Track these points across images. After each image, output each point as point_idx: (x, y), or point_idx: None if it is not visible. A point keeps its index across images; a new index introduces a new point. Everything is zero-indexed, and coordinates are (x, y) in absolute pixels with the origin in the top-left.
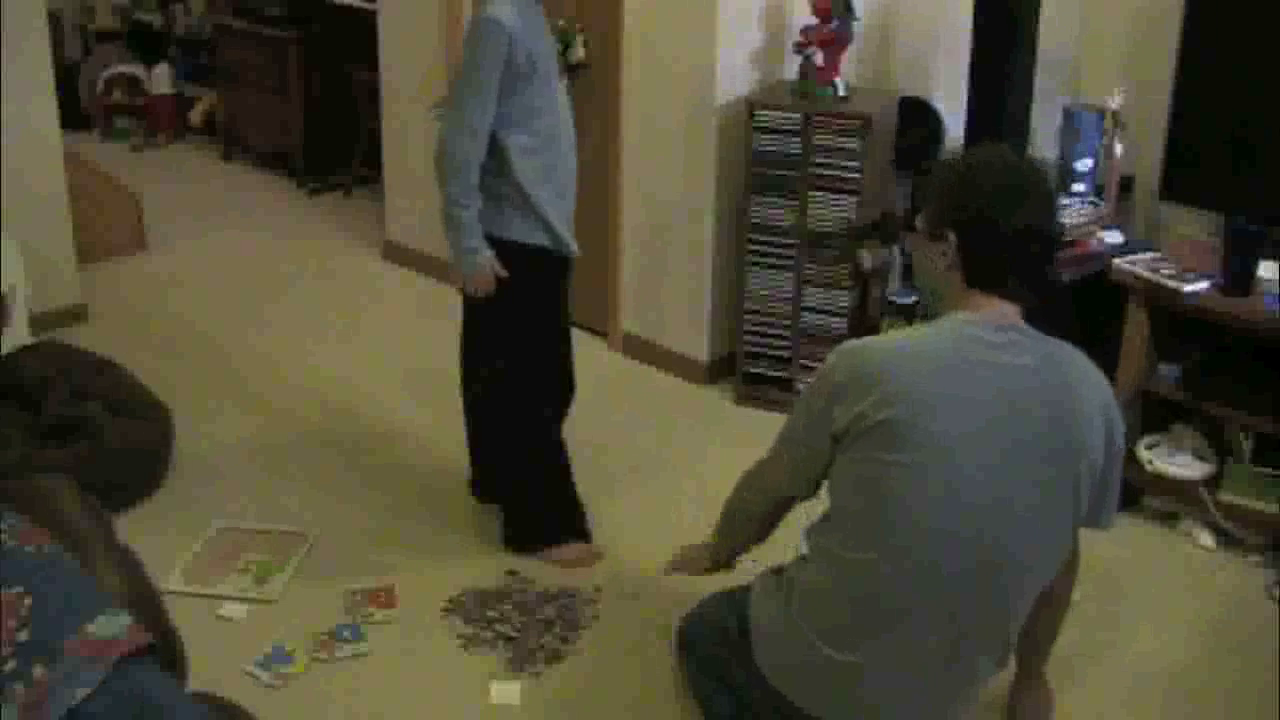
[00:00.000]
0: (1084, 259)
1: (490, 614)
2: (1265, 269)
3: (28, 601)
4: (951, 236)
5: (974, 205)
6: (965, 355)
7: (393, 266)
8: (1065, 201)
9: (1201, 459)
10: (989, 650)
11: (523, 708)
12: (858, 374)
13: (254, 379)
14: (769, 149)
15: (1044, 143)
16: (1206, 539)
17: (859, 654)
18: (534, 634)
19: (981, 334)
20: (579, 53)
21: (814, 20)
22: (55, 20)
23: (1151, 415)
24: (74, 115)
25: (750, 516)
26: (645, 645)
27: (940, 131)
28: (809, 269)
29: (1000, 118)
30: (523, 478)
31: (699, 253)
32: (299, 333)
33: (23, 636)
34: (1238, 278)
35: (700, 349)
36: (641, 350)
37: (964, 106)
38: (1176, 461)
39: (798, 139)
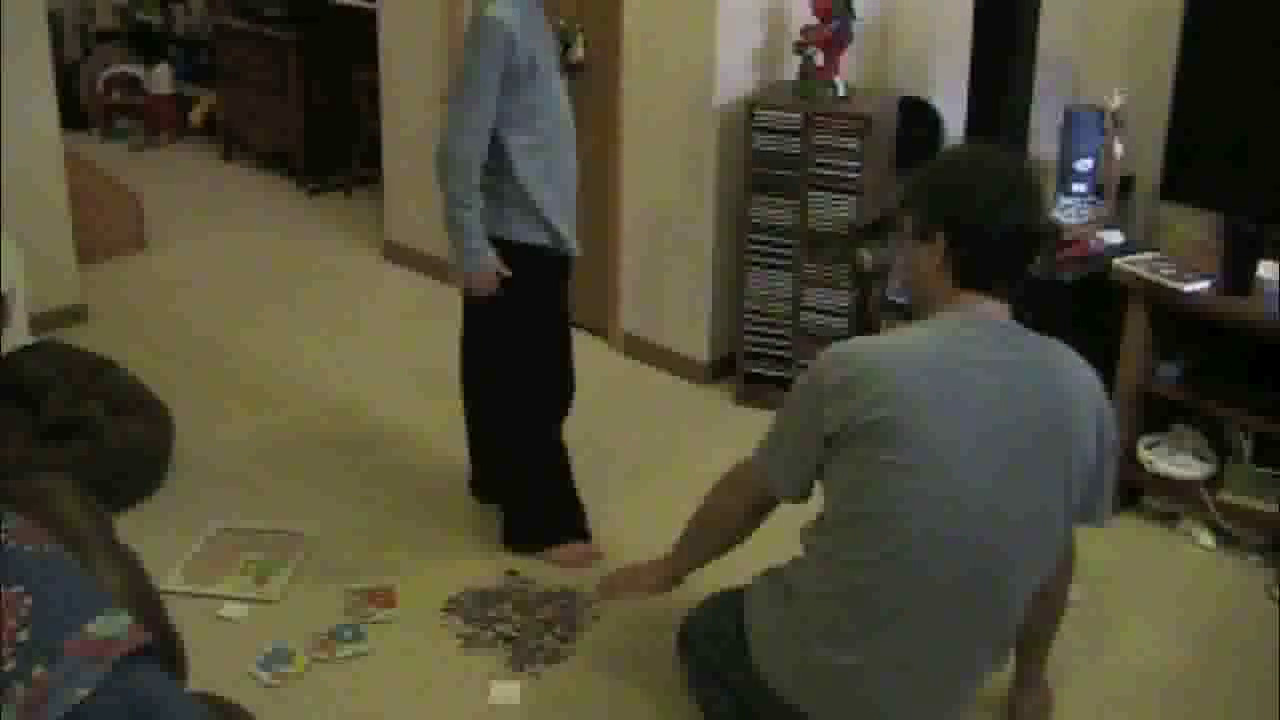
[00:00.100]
0: (1084, 259)
1: (490, 614)
2: (1265, 269)
3: (28, 601)
4: (940, 237)
5: (964, 206)
6: (957, 353)
7: (393, 266)
8: (1065, 201)
9: (1201, 459)
10: (986, 648)
11: (523, 708)
12: (849, 374)
13: (254, 379)
14: (769, 149)
15: (1044, 143)
16: (1206, 539)
17: (856, 654)
18: (534, 634)
19: (972, 332)
20: (579, 53)
21: (814, 20)
22: (55, 20)
23: (1151, 415)
24: (74, 115)
25: (725, 522)
26: (645, 645)
27: (940, 131)
28: (809, 269)
29: (1000, 118)
30: (523, 478)
31: (699, 253)
32: (299, 333)
33: (23, 636)
34: (1238, 278)
35: (700, 349)
36: (641, 350)
37: (964, 106)
38: (1176, 461)
39: (798, 139)
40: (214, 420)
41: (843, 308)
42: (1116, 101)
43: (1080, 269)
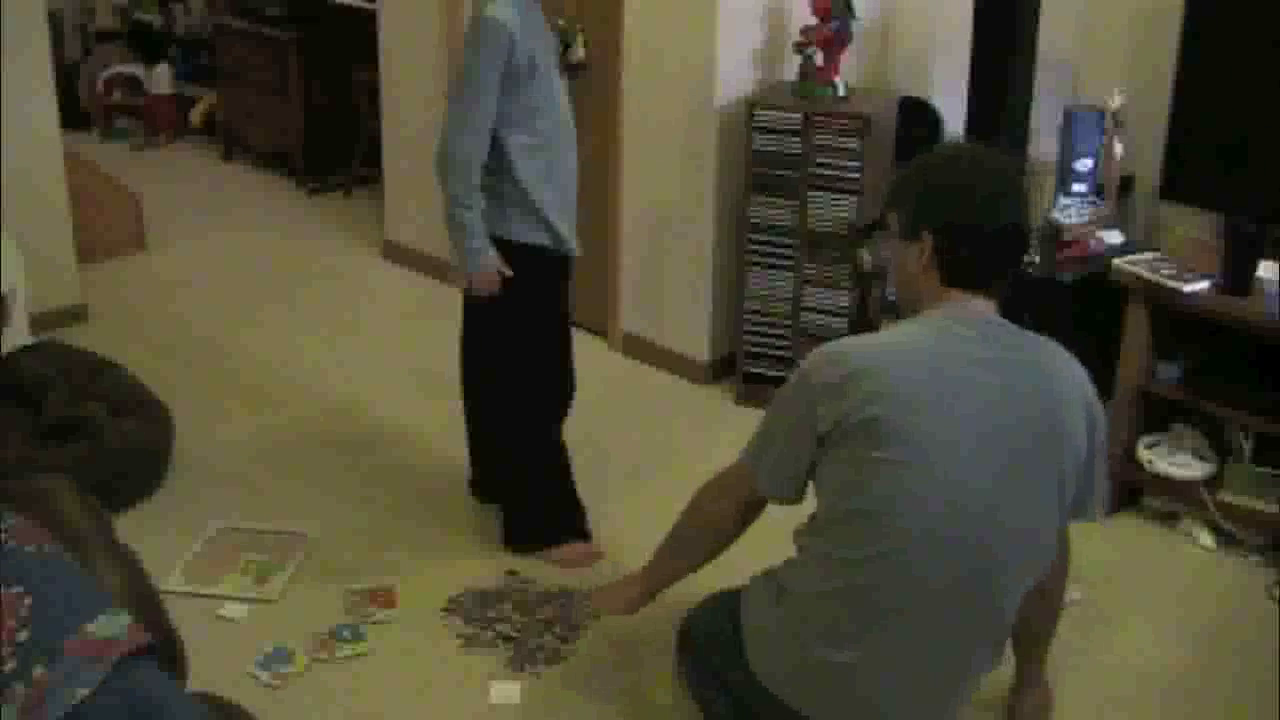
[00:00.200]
0: (1084, 259)
1: (490, 614)
2: (1265, 269)
3: (28, 601)
4: (928, 237)
5: (951, 207)
6: (948, 351)
7: (393, 266)
8: (1065, 201)
9: (1201, 459)
10: (983, 645)
11: (523, 708)
12: (841, 373)
13: (254, 379)
14: (769, 149)
15: (1044, 143)
16: (1206, 539)
17: (853, 653)
18: (534, 634)
19: (963, 330)
20: (579, 53)
21: (814, 20)
22: (55, 20)
23: (1151, 415)
24: (74, 115)
25: (713, 527)
26: (645, 645)
27: (940, 131)
28: (809, 269)
29: (1000, 118)
30: (523, 478)
31: (699, 253)
32: (299, 333)
33: (23, 636)
34: (1238, 278)
35: (700, 349)
36: (641, 350)
37: (964, 106)
38: (1176, 461)
39: (798, 139)
40: (214, 420)
41: (843, 308)
42: (1116, 101)
43: (1080, 269)
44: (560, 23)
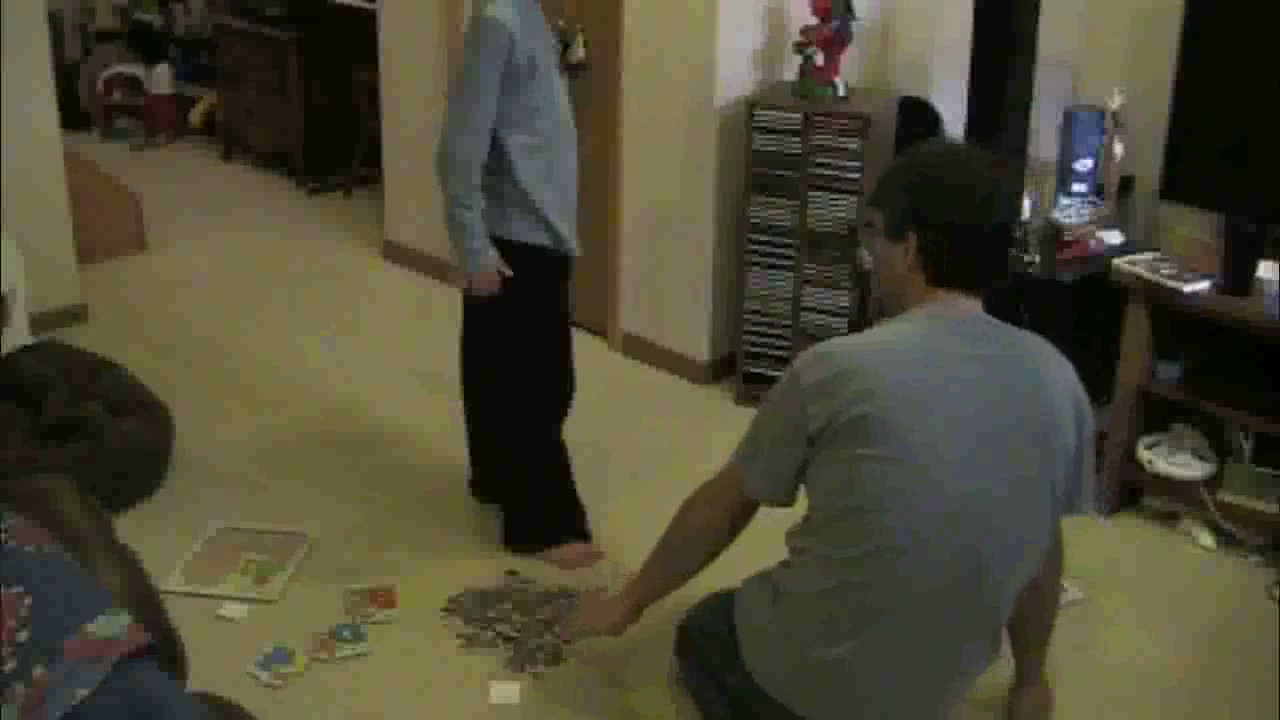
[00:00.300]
0: (1084, 259)
1: (490, 614)
2: (1265, 269)
3: (28, 601)
4: (913, 237)
5: (936, 207)
6: (936, 349)
7: (393, 266)
8: (1065, 201)
9: (1201, 459)
10: (978, 641)
11: (523, 708)
12: (830, 373)
13: (254, 379)
14: (769, 149)
15: (1044, 143)
16: (1206, 539)
17: (847, 650)
18: (534, 634)
19: (950, 327)
20: (579, 53)
21: (814, 20)
22: (55, 20)
23: (1151, 415)
24: (74, 115)
25: (705, 534)
26: (644, 646)
27: (940, 131)
28: (809, 269)
29: (1000, 118)
30: (523, 478)
31: (699, 253)
32: (299, 333)
33: (22, 636)
34: (1238, 278)
35: (700, 349)
36: (641, 350)
37: (964, 106)
38: (1176, 461)
39: (798, 139)
40: (214, 420)
41: (843, 308)
42: (1116, 102)
43: (1080, 269)
44: (560, 23)
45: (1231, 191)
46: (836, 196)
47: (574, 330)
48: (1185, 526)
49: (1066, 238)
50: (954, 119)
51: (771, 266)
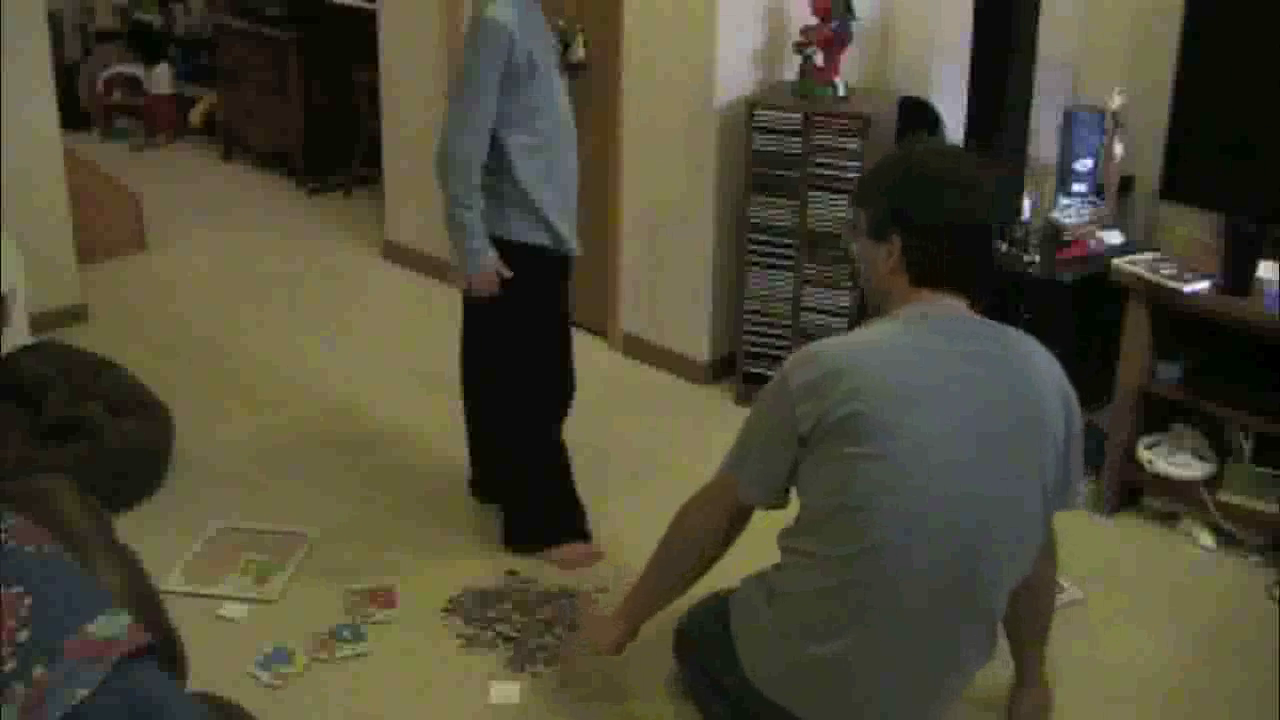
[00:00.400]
0: (1084, 259)
1: (490, 614)
2: (1265, 269)
3: (28, 601)
4: (896, 238)
5: (919, 208)
6: (924, 346)
7: (393, 266)
8: (1065, 201)
9: (1201, 459)
10: (974, 638)
11: (523, 708)
12: (819, 373)
13: (254, 379)
14: (769, 149)
15: (1044, 143)
16: (1206, 539)
17: (844, 648)
18: (534, 634)
19: (937, 325)
20: (579, 53)
21: (814, 20)
22: (55, 20)
23: (1151, 415)
24: (74, 115)
25: (700, 542)
26: (645, 646)
27: (940, 131)
28: (809, 269)
29: (1000, 118)
30: (523, 478)
31: (699, 253)
32: (299, 333)
33: (22, 636)
34: (1238, 278)
35: (700, 349)
36: (641, 350)
37: (964, 107)
38: (1176, 461)
39: (798, 139)
40: (214, 420)
41: (843, 308)
42: (1116, 102)
43: (1080, 269)
44: (560, 23)
45: (1231, 191)
46: (836, 196)
47: (574, 330)
48: (1185, 526)
49: (1066, 238)
50: (954, 119)
51: (771, 266)
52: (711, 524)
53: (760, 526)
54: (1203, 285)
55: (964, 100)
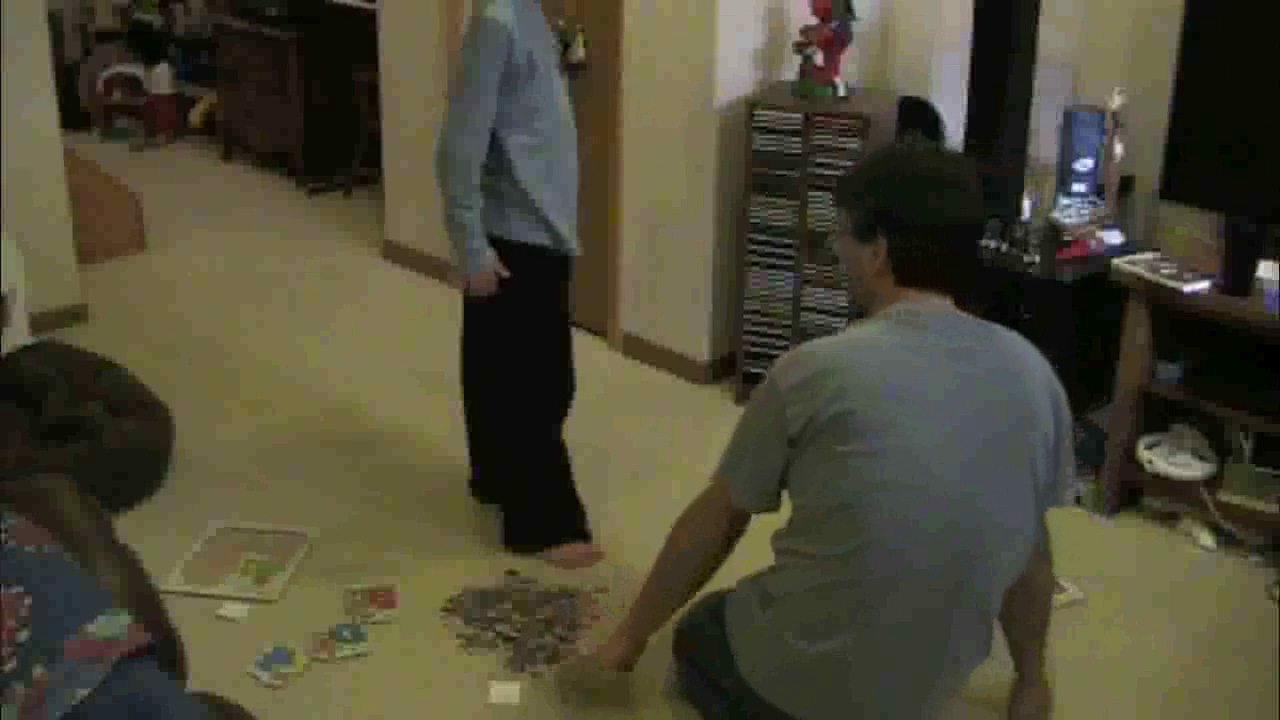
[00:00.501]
0: (1084, 259)
1: (490, 614)
2: (1265, 269)
3: (28, 601)
4: (882, 240)
5: (903, 209)
6: (912, 345)
7: (393, 266)
8: (1065, 201)
9: (1201, 459)
10: (969, 635)
11: (523, 708)
12: (807, 373)
13: (254, 379)
14: (769, 149)
15: (1044, 143)
16: (1206, 539)
17: (840, 646)
18: (534, 634)
19: (924, 323)
20: (579, 53)
21: (814, 20)
22: (55, 20)
23: (1151, 415)
24: (74, 115)
25: (699, 552)
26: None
27: (940, 131)
28: (809, 269)
29: (1000, 118)
30: (523, 478)
31: (699, 253)
32: (299, 333)
33: (22, 636)
34: (1238, 278)
35: (700, 349)
36: (641, 350)
37: (964, 107)
38: (1176, 461)
39: (798, 139)
40: (214, 420)
41: (843, 308)
42: (1116, 102)
43: (1080, 269)
44: (560, 23)
45: (1231, 191)
46: None
47: (574, 330)
48: (1185, 526)
49: (1066, 238)
50: (954, 119)
51: (771, 266)
52: (708, 535)
53: (758, 527)
54: (1203, 285)
55: (964, 100)
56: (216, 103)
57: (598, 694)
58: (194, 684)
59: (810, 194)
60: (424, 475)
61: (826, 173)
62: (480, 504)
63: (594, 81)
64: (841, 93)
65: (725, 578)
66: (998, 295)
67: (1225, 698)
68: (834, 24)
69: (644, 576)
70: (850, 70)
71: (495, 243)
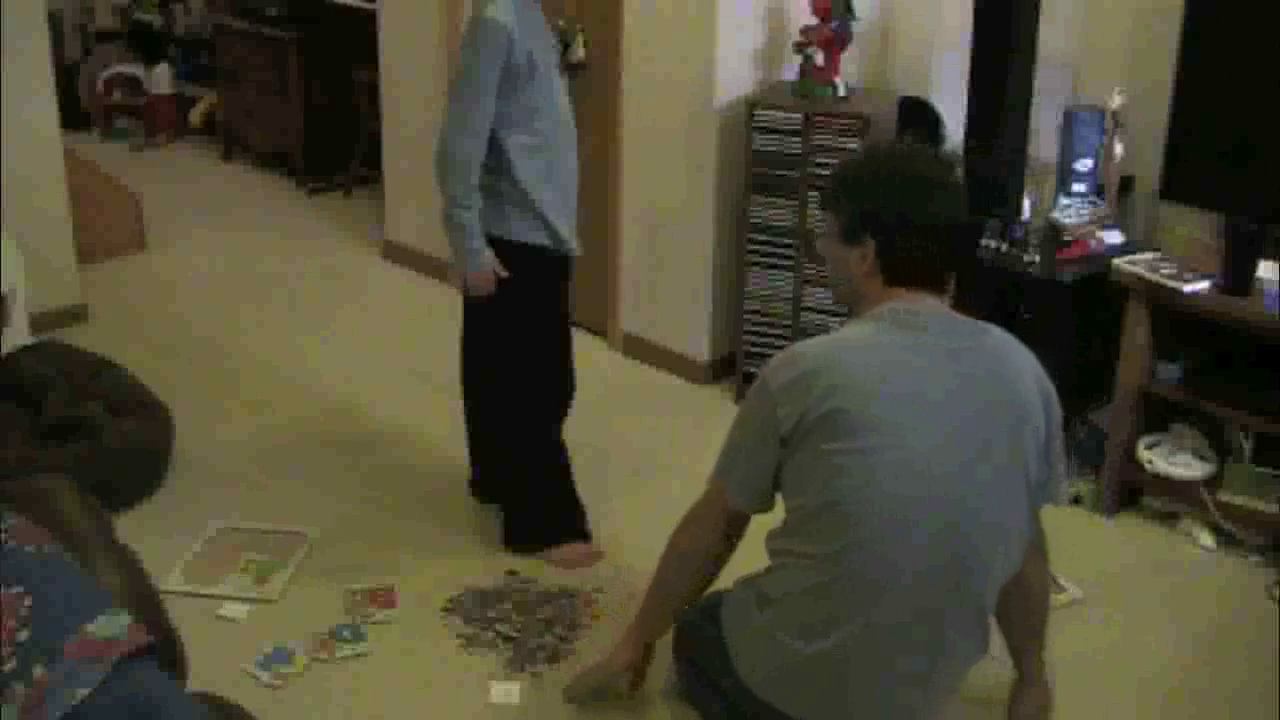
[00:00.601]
0: (1084, 259)
1: (490, 614)
2: (1265, 269)
3: (28, 601)
4: (870, 241)
5: (892, 209)
6: (902, 343)
7: (393, 266)
8: (1065, 201)
9: (1201, 459)
10: (964, 632)
11: (523, 708)
12: (797, 372)
13: (254, 379)
14: (769, 149)
15: (1044, 143)
16: (1206, 539)
17: (835, 644)
18: (534, 634)
19: (913, 322)
20: (579, 53)
21: (814, 20)
22: (55, 20)
23: (1151, 415)
24: (74, 115)
25: (699, 555)
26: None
27: (940, 131)
28: (809, 269)
29: (1000, 118)
30: (523, 478)
31: (699, 253)
32: (299, 333)
33: (22, 636)
34: (1238, 278)
35: (700, 349)
36: (641, 350)
37: (964, 107)
38: (1176, 461)
39: (798, 139)
40: (214, 420)
41: (843, 308)
42: (1116, 102)
43: (1080, 269)
44: (560, 23)
45: (1231, 191)
46: None
47: (574, 330)
48: (1185, 526)
49: (1066, 238)
50: (954, 119)
51: (771, 266)
52: (707, 538)
53: (755, 528)
54: (1203, 285)
55: (964, 100)
56: (216, 103)
57: (611, 694)
58: (194, 684)
59: (810, 194)
60: (424, 475)
61: (827, 173)
62: (480, 504)
63: (594, 81)
64: (841, 93)
65: (723, 578)
66: (998, 295)
67: (1225, 698)
68: (834, 24)
69: (644, 576)
70: (850, 70)
71: (495, 243)
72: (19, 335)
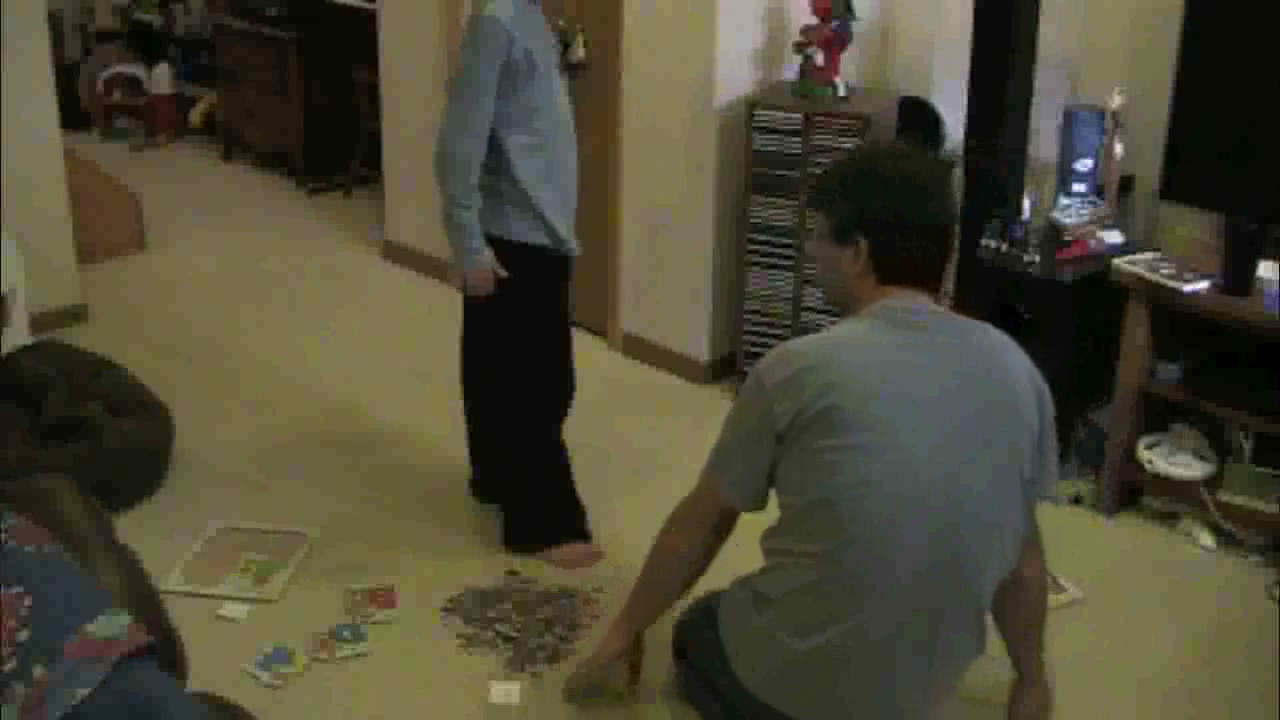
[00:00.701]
0: (1084, 259)
1: (490, 614)
2: (1265, 269)
3: (28, 601)
4: (863, 241)
5: (885, 209)
6: (895, 340)
7: (393, 266)
8: (1065, 201)
9: (1201, 459)
10: (961, 629)
11: (523, 708)
12: (791, 370)
13: (254, 379)
14: (769, 149)
15: (1044, 143)
16: (1206, 539)
17: (832, 642)
18: (534, 634)
19: (906, 320)
20: (579, 53)
21: (814, 20)
22: (55, 20)
23: (1151, 415)
24: (74, 115)
25: (688, 552)
26: (645, 645)
27: (940, 131)
28: (809, 269)
29: (1000, 118)
30: (523, 478)
31: (699, 253)
32: (299, 333)
33: (22, 636)
34: (1238, 278)
35: (700, 349)
36: (641, 350)
37: (964, 107)
38: (1176, 461)
39: (798, 139)
40: (214, 420)
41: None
42: (1116, 101)
43: (1080, 269)
44: (560, 23)
45: (1231, 191)
46: None
47: (574, 330)
48: (1185, 526)
49: (1066, 238)
50: (954, 119)
51: (771, 266)
52: (697, 534)
53: (752, 528)
54: (1203, 285)
55: (964, 100)
56: (216, 103)
57: (608, 690)
58: (194, 684)
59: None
60: (424, 475)
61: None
62: (480, 504)
63: (594, 81)
64: (841, 93)
65: (723, 578)
66: (998, 295)
67: (1225, 698)
68: (834, 24)
69: None
70: (850, 70)
71: (494, 242)
72: (19, 335)
